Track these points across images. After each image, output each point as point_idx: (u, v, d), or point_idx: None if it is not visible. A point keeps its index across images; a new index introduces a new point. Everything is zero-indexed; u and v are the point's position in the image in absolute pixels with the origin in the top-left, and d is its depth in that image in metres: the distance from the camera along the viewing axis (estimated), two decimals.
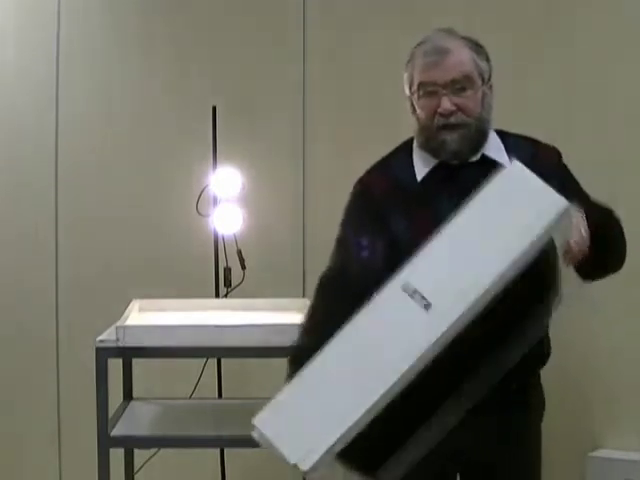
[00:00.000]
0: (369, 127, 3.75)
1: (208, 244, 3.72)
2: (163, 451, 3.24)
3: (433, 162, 2.21)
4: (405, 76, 2.23)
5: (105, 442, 2.52)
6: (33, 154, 3.96)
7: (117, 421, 2.75)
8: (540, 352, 2.26)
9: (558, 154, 2.27)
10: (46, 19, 3.92)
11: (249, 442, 2.65)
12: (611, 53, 3.52)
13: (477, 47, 2.20)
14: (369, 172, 2.29)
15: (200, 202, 3.68)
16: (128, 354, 2.70)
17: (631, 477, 3.42)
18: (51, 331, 3.93)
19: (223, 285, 3.72)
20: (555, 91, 3.57)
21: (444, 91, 2.14)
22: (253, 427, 1.80)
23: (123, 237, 3.93)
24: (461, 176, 2.17)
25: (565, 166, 2.27)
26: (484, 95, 2.19)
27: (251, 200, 3.75)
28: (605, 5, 3.54)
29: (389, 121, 3.62)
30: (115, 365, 2.82)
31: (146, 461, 3.38)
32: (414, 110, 2.22)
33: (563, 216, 1.82)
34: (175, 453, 3.32)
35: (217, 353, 3.14)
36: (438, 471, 2.24)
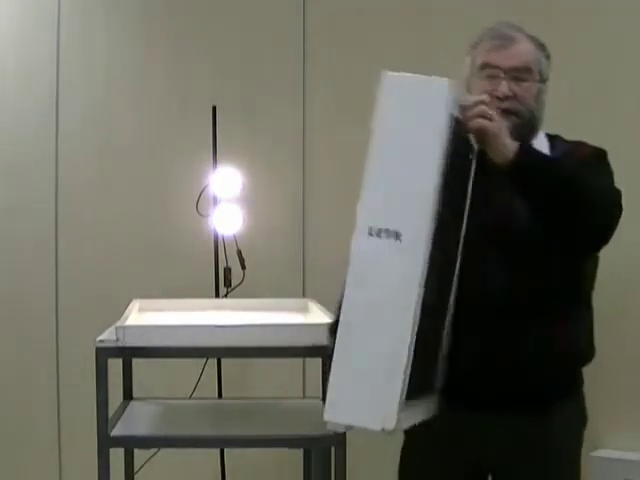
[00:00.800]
0: (369, 127, 3.74)
1: (208, 244, 3.73)
2: (163, 451, 3.24)
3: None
4: (467, 59, 2.25)
5: (105, 442, 2.52)
6: (33, 154, 3.96)
7: (117, 421, 2.74)
8: (562, 351, 2.20)
9: (595, 150, 2.25)
10: (46, 19, 3.92)
11: (249, 442, 2.65)
12: (611, 53, 3.53)
13: (540, 45, 2.24)
14: None
15: (200, 202, 3.68)
16: (128, 354, 2.70)
17: (631, 477, 3.42)
18: (51, 331, 3.93)
19: (223, 285, 3.72)
20: (555, 91, 3.57)
21: (504, 76, 2.17)
22: (327, 423, 1.87)
23: (123, 237, 3.93)
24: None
25: (597, 161, 2.22)
26: (539, 91, 2.22)
27: (251, 200, 3.75)
28: (605, 5, 3.55)
29: None
30: (115, 365, 2.81)
31: (146, 461, 3.38)
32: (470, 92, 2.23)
33: (451, 93, 1.86)
34: (175, 453, 3.32)
35: (217, 353, 3.13)
36: (469, 472, 2.26)
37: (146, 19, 3.95)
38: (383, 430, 1.79)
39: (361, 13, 3.83)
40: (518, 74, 2.18)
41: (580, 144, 2.26)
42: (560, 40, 3.62)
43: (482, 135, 2.01)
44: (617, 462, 3.45)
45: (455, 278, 2.11)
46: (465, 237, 2.11)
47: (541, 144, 2.24)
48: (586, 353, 2.28)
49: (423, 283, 1.82)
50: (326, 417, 1.85)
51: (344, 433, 2.45)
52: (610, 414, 3.55)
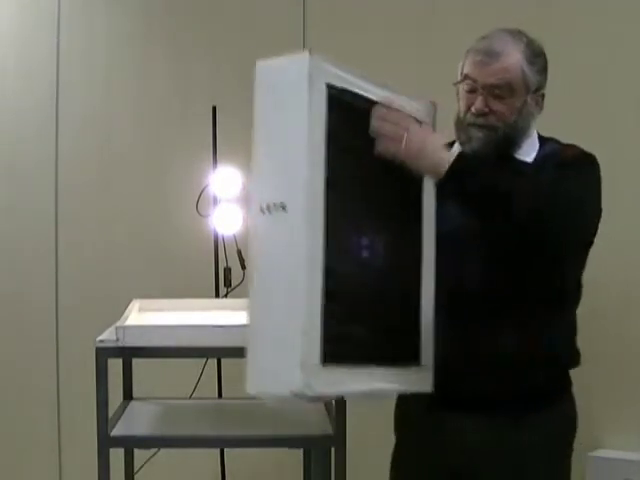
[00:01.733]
0: None
1: (208, 244, 3.72)
2: (163, 451, 3.24)
3: None
4: (460, 63, 2.25)
5: (105, 442, 2.52)
6: (33, 154, 3.96)
7: (117, 421, 2.74)
8: (535, 354, 2.16)
9: (580, 154, 2.21)
10: (46, 19, 3.92)
11: (249, 442, 2.65)
12: (610, 53, 3.53)
13: (533, 57, 2.19)
14: None
15: (200, 202, 3.68)
16: (128, 354, 2.70)
17: (631, 477, 3.42)
18: (51, 331, 3.93)
19: (223, 285, 3.72)
20: (555, 92, 3.57)
21: (482, 91, 2.16)
22: (258, 397, 1.97)
23: (123, 237, 3.93)
24: None
25: (578, 164, 2.18)
26: (524, 104, 2.19)
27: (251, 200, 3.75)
28: (604, 5, 3.55)
29: None
30: (115, 365, 2.81)
31: (146, 461, 3.38)
32: (458, 99, 2.25)
33: (312, 70, 1.95)
34: (175, 453, 3.32)
35: (217, 353, 3.13)
36: (449, 472, 2.23)
37: (146, 19, 3.95)
38: (295, 394, 1.82)
39: (361, 13, 3.83)
40: (498, 91, 2.15)
41: (568, 146, 2.24)
42: (560, 40, 3.63)
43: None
44: (617, 462, 3.45)
45: (425, 254, 2.11)
46: (437, 237, 2.11)
47: (528, 149, 2.23)
48: (566, 357, 2.25)
49: (320, 248, 1.85)
50: (247, 389, 1.94)
51: (344, 433, 2.45)
52: (610, 414, 3.55)
